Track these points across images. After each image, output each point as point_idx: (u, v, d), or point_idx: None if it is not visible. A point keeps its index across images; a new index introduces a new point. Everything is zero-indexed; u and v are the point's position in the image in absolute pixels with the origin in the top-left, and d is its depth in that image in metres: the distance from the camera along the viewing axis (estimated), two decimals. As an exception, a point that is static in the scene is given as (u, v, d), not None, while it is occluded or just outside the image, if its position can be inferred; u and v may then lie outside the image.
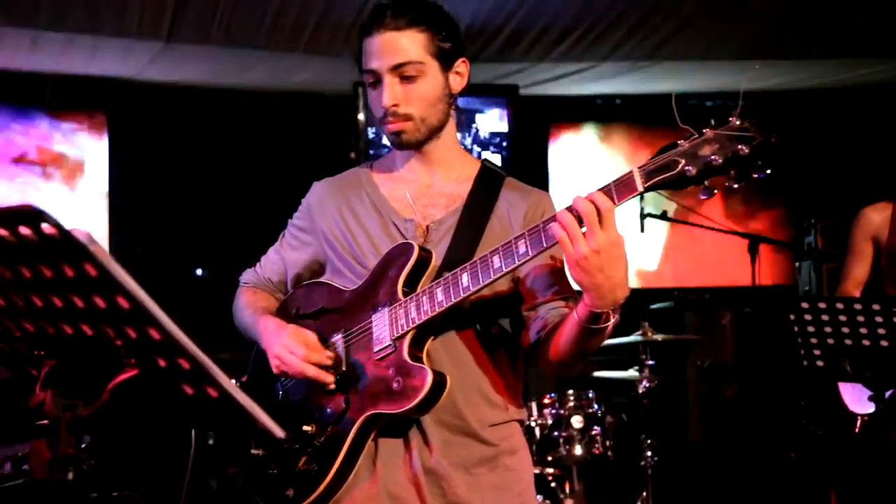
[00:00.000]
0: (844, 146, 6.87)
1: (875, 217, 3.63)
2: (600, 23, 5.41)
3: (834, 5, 5.29)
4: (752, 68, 6.28)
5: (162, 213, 6.58)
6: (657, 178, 1.64)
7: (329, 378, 1.90)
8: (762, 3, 5.24)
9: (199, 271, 6.64)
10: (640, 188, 1.64)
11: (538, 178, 6.85)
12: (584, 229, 1.65)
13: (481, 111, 6.08)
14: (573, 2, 5.12)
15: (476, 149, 6.01)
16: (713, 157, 1.61)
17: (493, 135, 6.13)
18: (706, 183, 1.64)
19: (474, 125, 6.05)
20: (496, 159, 6.01)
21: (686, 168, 1.62)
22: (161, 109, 6.47)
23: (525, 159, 6.36)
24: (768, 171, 1.60)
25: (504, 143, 6.15)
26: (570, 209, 1.68)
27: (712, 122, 1.65)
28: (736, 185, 1.63)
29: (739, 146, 1.59)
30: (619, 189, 1.65)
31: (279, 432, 1.30)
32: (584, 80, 6.51)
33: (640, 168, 1.65)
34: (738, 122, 1.62)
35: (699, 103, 6.92)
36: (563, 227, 1.66)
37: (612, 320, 1.75)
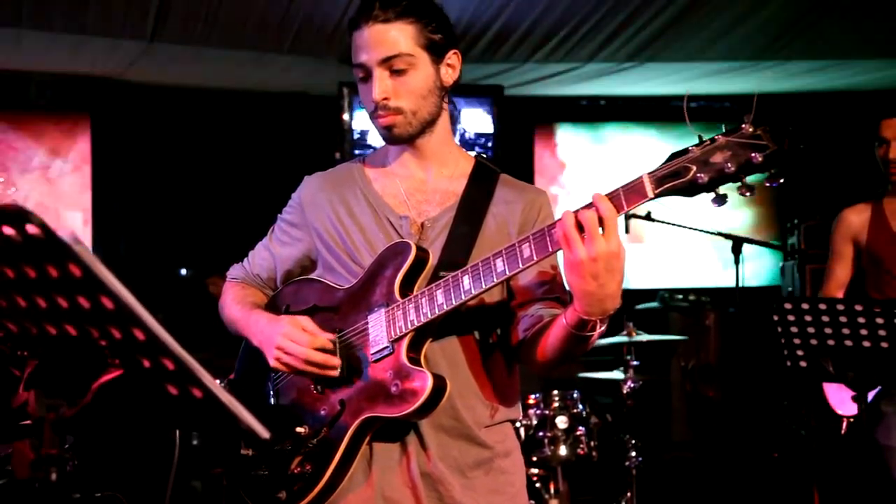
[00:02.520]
0: (827, 148, 6.92)
1: (854, 219, 3.64)
2: (585, 23, 5.42)
3: (815, 10, 5.33)
4: (737, 70, 6.31)
5: (146, 213, 6.55)
6: (668, 185, 1.60)
7: (336, 361, 1.86)
8: (746, 6, 5.27)
9: (183, 271, 6.61)
10: (651, 194, 1.60)
11: (523, 178, 6.85)
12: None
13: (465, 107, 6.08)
14: (558, 2, 5.13)
15: (461, 149, 6.02)
16: (726, 164, 1.57)
17: (479, 135, 6.13)
18: (718, 190, 1.60)
19: (459, 125, 6.06)
20: (481, 160, 6.02)
21: (698, 175, 1.59)
22: (145, 109, 6.44)
23: (510, 159, 6.37)
24: (782, 180, 1.58)
25: (489, 144, 6.15)
26: (576, 211, 1.64)
27: (724, 128, 1.62)
28: (748, 194, 1.60)
29: (753, 154, 1.56)
30: (629, 195, 1.61)
31: (264, 433, 1.29)
32: (569, 81, 6.52)
33: (650, 174, 1.61)
34: (750, 129, 1.58)
35: (680, 105, 6.94)
36: (564, 228, 1.63)
37: (599, 329, 1.72)
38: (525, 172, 6.99)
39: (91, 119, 6.36)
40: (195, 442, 4.23)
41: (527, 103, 6.91)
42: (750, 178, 1.60)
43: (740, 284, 4.63)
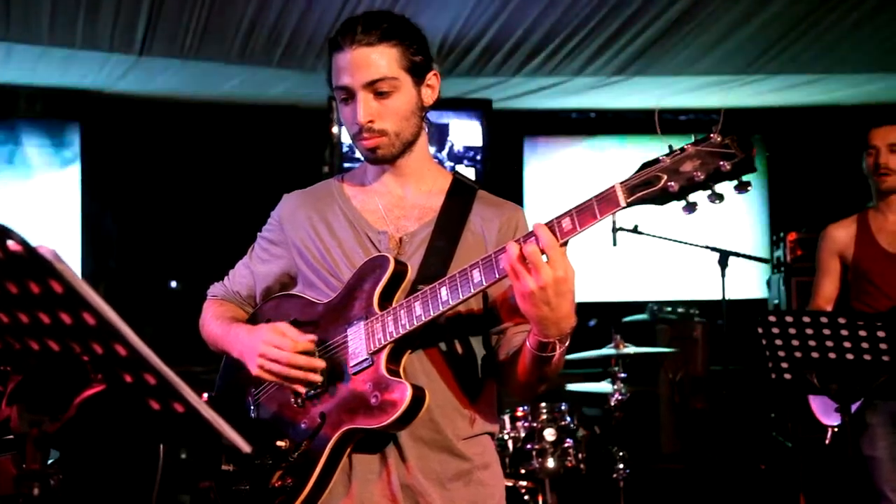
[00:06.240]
0: (815, 161, 6.97)
1: (840, 234, 3.70)
2: (574, 37, 5.46)
3: (803, 23, 5.37)
4: (726, 83, 6.36)
5: (136, 226, 6.55)
6: (640, 194, 1.64)
7: (319, 363, 1.88)
8: (736, 19, 5.31)
9: (173, 283, 6.61)
10: (623, 203, 1.64)
11: (513, 191, 6.89)
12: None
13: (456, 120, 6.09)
14: (547, 16, 5.16)
15: (449, 163, 6.03)
16: (695, 172, 1.61)
17: (468, 149, 6.16)
18: (688, 198, 1.64)
19: (448, 139, 6.07)
20: (470, 173, 6.04)
21: (668, 184, 1.63)
22: (134, 121, 6.45)
23: (499, 173, 6.40)
24: (749, 188, 1.62)
25: (478, 157, 6.17)
26: (518, 240, 1.69)
27: (693, 137, 1.66)
28: (718, 202, 1.64)
29: (721, 162, 1.60)
30: (602, 204, 1.65)
31: (245, 447, 1.30)
32: (558, 94, 6.56)
33: (622, 183, 1.65)
34: (719, 139, 1.62)
35: (673, 118, 7.00)
36: (510, 261, 1.67)
37: (559, 349, 1.76)
38: (514, 185, 7.01)
39: (81, 132, 6.36)
40: (183, 455, 4.23)
41: (516, 116, 6.94)
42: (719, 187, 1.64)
43: (727, 297, 4.66)
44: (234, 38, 5.19)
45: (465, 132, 6.20)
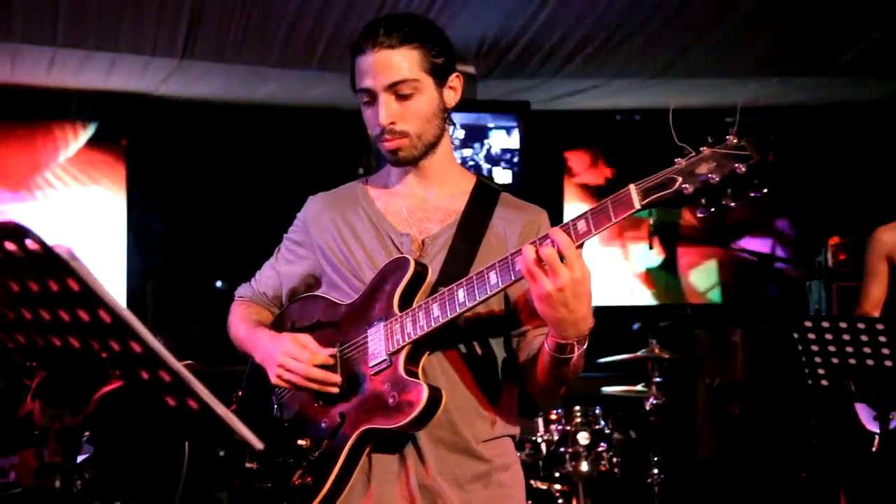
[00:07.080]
0: (855, 164, 6.85)
1: (888, 237, 3.65)
2: (613, 38, 5.42)
3: (845, 23, 5.29)
4: (770, 83, 6.27)
5: (182, 227, 6.65)
6: (654, 196, 1.64)
7: (335, 378, 1.91)
8: (777, 19, 5.25)
9: (219, 283, 6.70)
10: (637, 206, 1.64)
11: (551, 194, 6.86)
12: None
13: (491, 128, 6.08)
14: (586, 16, 5.14)
15: (487, 165, 6.02)
16: (710, 175, 1.61)
17: (505, 151, 6.14)
18: (703, 201, 1.64)
19: (486, 141, 6.07)
20: (507, 175, 6.02)
21: (683, 186, 1.63)
22: (177, 125, 6.55)
23: (537, 175, 6.37)
24: (765, 190, 1.60)
25: (515, 160, 6.15)
26: (533, 243, 1.70)
27: (709, 139, 1.65)
28: (733, 204, 1.63)
29: (736, 164, 1.60)
30: (616, 206, 1.66)
31: (258, 444, 1.32)
32: (598, 96, 6.52)
33: (636, 185, 1.65)
34: (735, 141, 1.62)
35: (716, 119, 6.92)
36: (526, 264, 1.68)
37: (577, 351, 1.76)
38: (553, 188, 6.97)
39: (126, 135, 6.48)
40: (222, 452, 4.27)
41: (554, 118, 6.90)
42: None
43: (766, 301, 4.61)
44: (273, 42, 5.25)
45: (503, 134, 6.18)
